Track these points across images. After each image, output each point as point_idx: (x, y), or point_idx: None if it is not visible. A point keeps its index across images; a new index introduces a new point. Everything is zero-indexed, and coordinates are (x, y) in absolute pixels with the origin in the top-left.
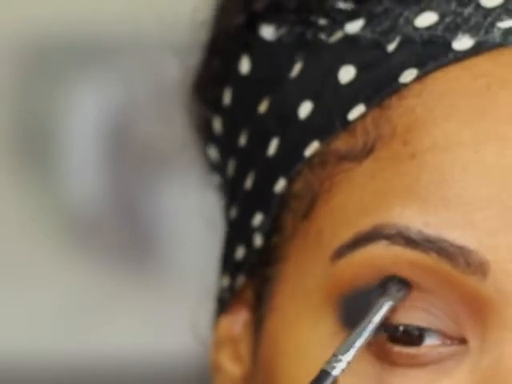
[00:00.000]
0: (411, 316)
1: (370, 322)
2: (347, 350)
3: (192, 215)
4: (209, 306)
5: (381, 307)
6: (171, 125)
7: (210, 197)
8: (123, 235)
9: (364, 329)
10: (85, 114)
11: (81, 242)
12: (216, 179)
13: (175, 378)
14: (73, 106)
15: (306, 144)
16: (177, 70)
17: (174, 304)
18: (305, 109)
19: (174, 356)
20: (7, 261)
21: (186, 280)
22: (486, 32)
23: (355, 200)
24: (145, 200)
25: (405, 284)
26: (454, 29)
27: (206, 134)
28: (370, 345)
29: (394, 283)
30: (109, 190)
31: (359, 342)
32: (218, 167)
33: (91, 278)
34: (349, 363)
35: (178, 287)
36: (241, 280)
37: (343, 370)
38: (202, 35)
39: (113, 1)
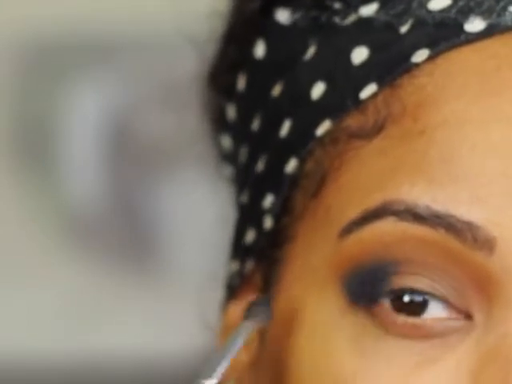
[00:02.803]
0: (415, 280)
1: (229, 348)
2: (210, 375)
3: (192, 215)
4: (210, 303)
5: (241, 332)
6: (172, 125)
7: (210, 196)
8: (123, 235)
9: (225, 355)
10: (85, 114)
11: (81, 242)
12: (227, 170)
13: (175, 378)
14: (73, 106)
15: (317, 123)
16: (182, 67)
17: (174, 304)
18: (317, 89)
19: (174, 356)
20: (7, 261)
21: (186, 280)
22: (498, 15)
23: (364, 177)
24: (145, 200)
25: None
26: (467, 12)
27: (219, 124)
28: (374, 317)
29: (259, 306)
30: (109, 189)
31: (221, 368)
32: (230, 157)
33: (91, 278)
34: None
35: (178, 287)
36: (250, 264)
37: None
38: (218, 27)
39: (113, 1)
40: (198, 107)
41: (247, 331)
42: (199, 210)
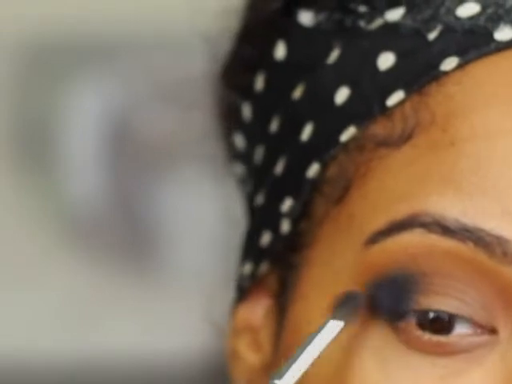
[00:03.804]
0: (442, 302)
1: (311, 345)
2: (282, 375)
3: (192, 215)
4: (210, 303)
5: (328, 328)
6: (172, 124)
7: (210, 197)
8: (123, 235)
9: (303, 352)
10: (85, 114)
11: (81, 242)
12: (238, 169)
13: (175, 378)
14: (73, 105)
15: (342, 129)
16: (183, 67)
17: (174, 304)
18: (342, 94)
19: (174, 356)
20: (7, 261)
21: (185, 280)
22: None
23: (391, 186)
24: (145, 200)
25: (358, 303)
26: (496, 19)
27: (232, 122)
28: (399, 332)
29: (349, 301)
30: (109, 189)
31: (297, 367)
32: (242, 156)
33: (91, 277)
34: None
35: (178, 287)
36: (264, 267)
37: None
38: (230, 24)
39: (113, 1)
40: (198, 106)
41: (332, 331)
42: (199, 210)
